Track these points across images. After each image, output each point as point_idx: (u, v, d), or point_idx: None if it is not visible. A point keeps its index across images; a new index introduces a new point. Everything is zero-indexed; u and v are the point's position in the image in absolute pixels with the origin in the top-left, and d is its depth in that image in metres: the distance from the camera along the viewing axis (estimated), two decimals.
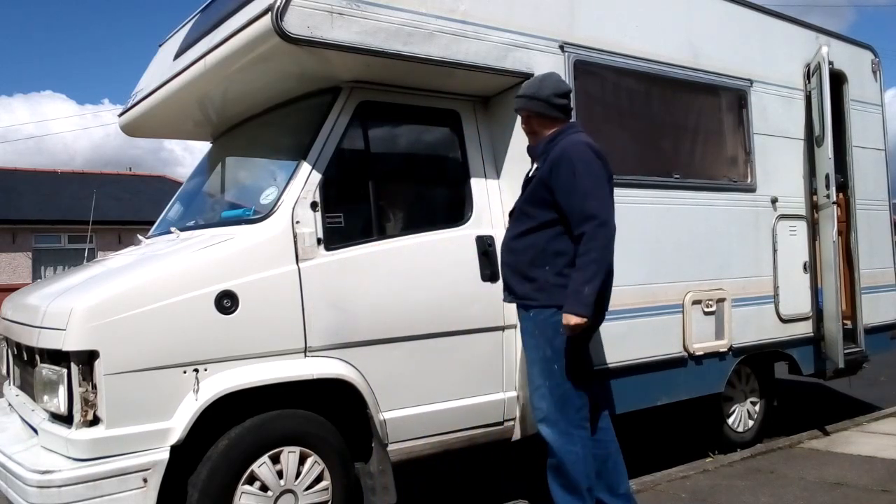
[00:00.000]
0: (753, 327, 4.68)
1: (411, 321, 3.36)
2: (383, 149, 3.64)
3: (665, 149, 4.43)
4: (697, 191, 4.45)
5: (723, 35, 4.72)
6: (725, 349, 4.49)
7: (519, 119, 3.39)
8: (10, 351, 3.62)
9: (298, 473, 3.03)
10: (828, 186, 4.85)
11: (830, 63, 5.03)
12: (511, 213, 3.30)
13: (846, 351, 4.94)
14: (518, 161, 3.55)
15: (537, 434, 3.23)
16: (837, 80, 5.31)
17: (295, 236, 3.11)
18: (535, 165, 3.24)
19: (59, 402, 2.77)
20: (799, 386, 6.69)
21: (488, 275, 3.52)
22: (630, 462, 4.47)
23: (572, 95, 3.38)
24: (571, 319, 2.93)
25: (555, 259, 3.06)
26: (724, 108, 4.73)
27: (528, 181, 3.22)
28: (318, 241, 3.17)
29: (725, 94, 4.72)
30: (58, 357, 2.79)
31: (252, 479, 2.92)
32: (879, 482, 3.93)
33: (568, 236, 3.04)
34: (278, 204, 3.15)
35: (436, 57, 3.37)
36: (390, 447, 3.29)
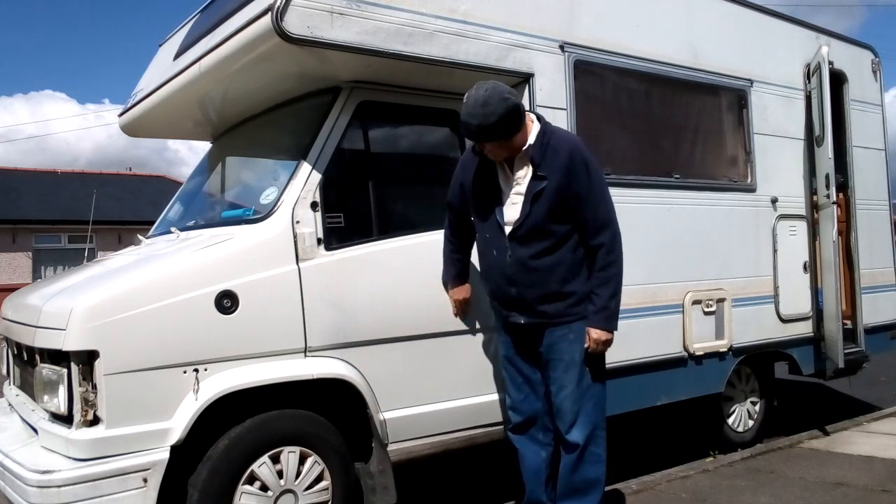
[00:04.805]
0: (753, 327, 4.69)
1: (411, 321, 3.36)
2: (383, 149, 3.64)
3: (665, 149, 4.43)
4: (697, 191, 4.45)
5: (723, 35, 4.72)
6: (725, 349, 4.49)
7: None
8: (10, 351, 3.62)
9: (298, 473, 3.03)
10: (828, 186, 4.85)
11: (830, 63, 5.03)
12: (514, 232, 3.00)
13: (846, 351, 4.94)
14: None
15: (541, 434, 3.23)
16: (837, 80, 5.31)
17: (295, 236, 3.11)
18: (525, 174, 3.00)
19: (59, 402, 2.77)
20: (799, 386, 6.69)
21: None
22: (630, 462, 4.49)
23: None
24: (604, 336, 3.00)
25: (581, 269, 3.03)
26: (725, 108, 4.73)
27: (537, 194, 2.94)
28: (319, 240, 3.17)
29: (725, 94, 4.72)
30: (58, 357, 2.79)
31: (252, 479, 2.92)
32: (879, 482, 3.93)
33: (581, 243, 3.02)
34: (278, 204, 3.16)
35: (436, 57, 3.37)
36: (390, 447, 3.29)
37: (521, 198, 3.00)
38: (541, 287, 3.02)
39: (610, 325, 3.01)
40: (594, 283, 3.01)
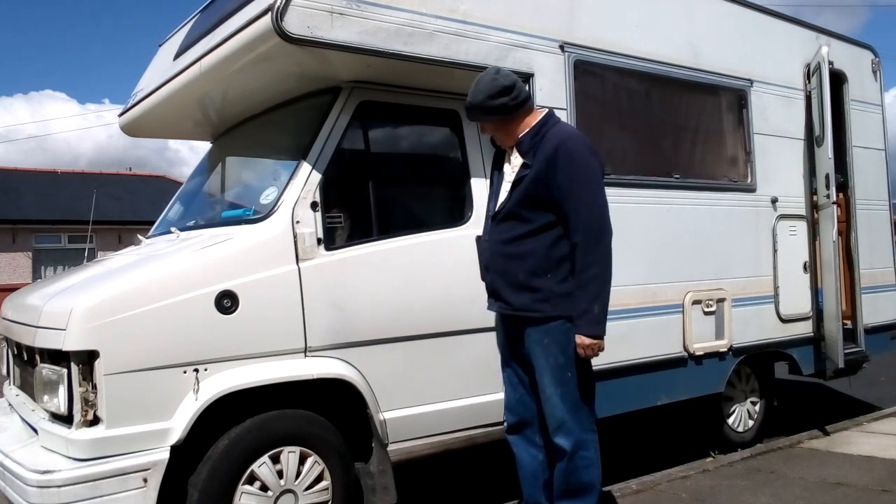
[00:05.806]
0: (753, 327, 4.69)
1: (411, 321, 3.36)
2: (383, 149, 3.64)
3: (665, 149, 4.44)
4: (698, 191, 4.45)
5: (723, 35, 4.72)
6: (725, 349, 4.49)
7: None
8: (10, 351, 3.62)
9: (298, 473, 3.03)
10: (828, 186, 4.85)
11: (830, 63, 5.03)
12: (495, 216, 3.01)
13: (846, 351, 4.94)
14: None
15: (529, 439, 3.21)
16: (837, 80, 5.31)
17: (295, 236, 3.12)
18: (518, 162, 2.98)
19: (59, 402, 2.77)
20: (799, 386, 6.69)
21: None
22: (630, 462, 4.49)
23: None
24: (586, 341, 2.85)
25: (557, 266, 2.89)
26: (725, 108, 4.74)
27: (518, 181, 2.93)
28: (318, 241, 3.17)
29: (725, 94, 4.72)
30: (58, 357, 2.79)
31: (252, 479, 2.92)
32: (879, 482, 3.93)
33: (567, 239, 2.92)
34: (278, 204, 3.16)
35: (436, 57, 3.37)
36: (390, 447, 3.29)
37: (510, 185, 3.00)
38: (509, 275, 2.96)
39: (594, 329, 2.85)
40: (575, 285, 2.87)
